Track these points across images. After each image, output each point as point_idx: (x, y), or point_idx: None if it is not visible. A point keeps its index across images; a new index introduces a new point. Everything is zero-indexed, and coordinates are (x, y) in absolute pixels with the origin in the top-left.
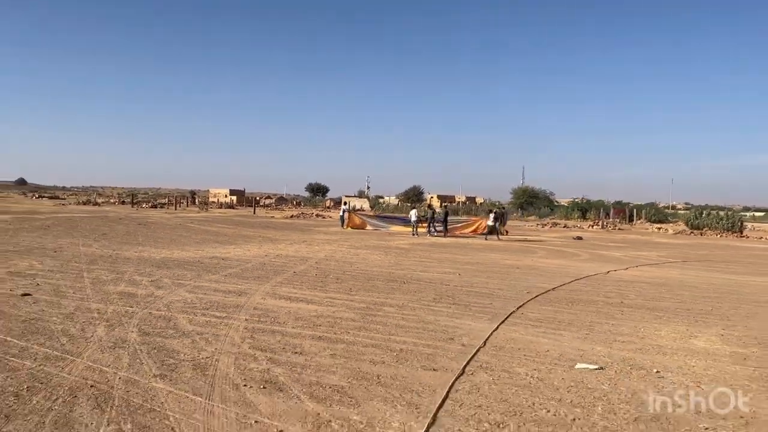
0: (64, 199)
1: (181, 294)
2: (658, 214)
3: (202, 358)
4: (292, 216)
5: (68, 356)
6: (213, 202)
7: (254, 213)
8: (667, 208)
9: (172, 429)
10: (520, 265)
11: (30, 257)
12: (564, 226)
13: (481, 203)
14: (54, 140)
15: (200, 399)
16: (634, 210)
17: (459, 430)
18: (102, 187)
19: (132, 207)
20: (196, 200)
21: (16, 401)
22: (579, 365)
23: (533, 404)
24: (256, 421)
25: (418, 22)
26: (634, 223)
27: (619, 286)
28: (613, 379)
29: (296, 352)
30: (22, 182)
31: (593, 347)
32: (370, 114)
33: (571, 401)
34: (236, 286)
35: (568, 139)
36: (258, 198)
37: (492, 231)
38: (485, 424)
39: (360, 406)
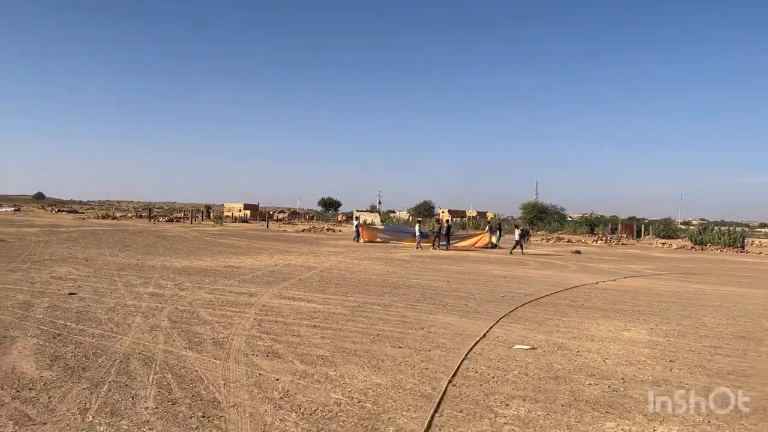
0: (83, 213)
1: (201, 294)
2: (667, 230)
3: (220, 338)
4: (303, 230)
5: (117, 335)
6: (227, 216)
7: (267, 227)
8: (684, 223)
9: (200, 378)
10: (507, 275)
11: (66, 265)
12: (568, 241)
13: (491, 218)
14: (70, 155)
15: (219, 361)
16: (642, 226)
17: (405, 380)
18: (118, 202)
19: (149, 221)
20: (211, 214)
21: (87, 361)
22: (517, 346)
23: (468, 368)
24: (260, 374)
25: (426, 41)
26: (641, 238)
27: (589, 293)
28: (539, 355)
29: (294, 335)
30: (40, 196)
31: (536, 335)
32: (383, 129)
33: (497, 367)
34: (248, 289)
35: (586, 154)
36: (271, 212)
37: (517, 245)
38: (425, 378)
39: (337, 367)
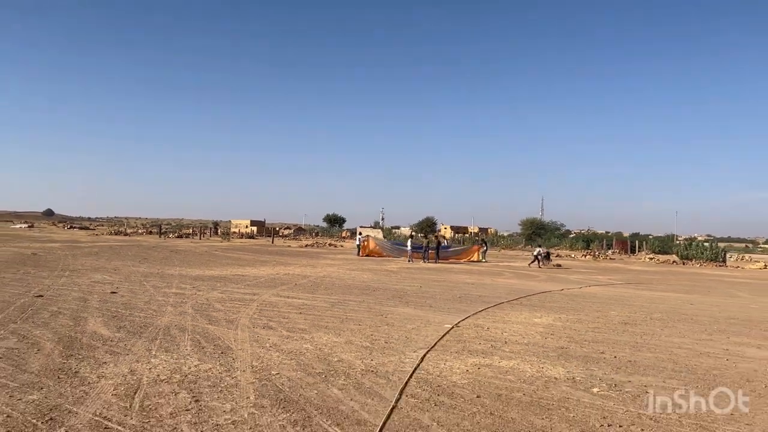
0: (94, 229)
1: (214, 294)
2: (662, 246)
3: (231, 318)
4: (306, 245)
5: (157, 316)
6: (234, 232)
7: (272, 242)
8: (688, 239)
9: (218, 337)
10: (476, 283)
11: (99, 273)
12: (557, 255)
13: (487, 233)
14: (78, 172)
15: (230, 330)
16: (636, 242)
17: (354, 340)
18: (126, 218)
19: (160, 237)
20: (219, 231)
21: (141, 329)
22: (445, 324)
23: (401, 335)
24: (258, 337)
25: (428, 56)
26: (635, 254)
27: (541, 296)
28: (457, 329)
29: (284, 318)
30: (49, 213)
31: (465, 320)
32: (387, 147)
33: (421, 333)
34: (251, 290)
35: (594, 171)
36: (277, 228)
37: (535, 260)
38: (369, 339)
39: (310, 334)
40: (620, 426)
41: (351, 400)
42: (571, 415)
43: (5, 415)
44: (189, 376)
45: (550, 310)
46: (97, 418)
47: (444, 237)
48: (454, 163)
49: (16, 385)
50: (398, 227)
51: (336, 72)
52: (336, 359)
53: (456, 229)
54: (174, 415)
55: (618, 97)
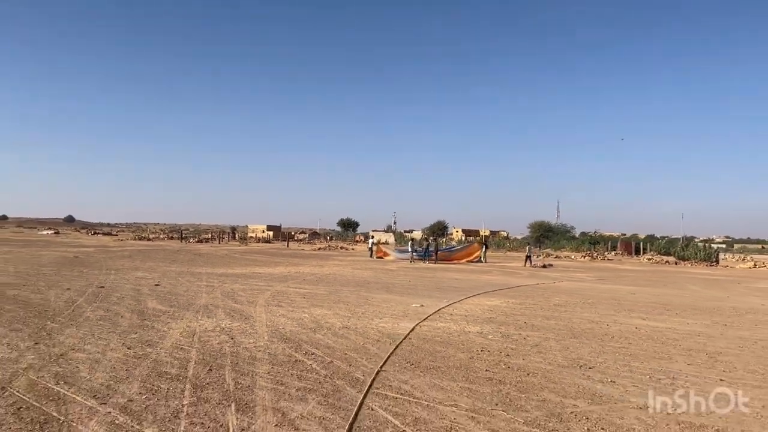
0: (117, 235)
1: (237, 285)
2: (668, 248)
3: (251, 300)
4: (319, 249)
5: (195, 299)
6: (251, 237)
7: (287, 246)
8: (707, 241)
9: (242, 311)
10: (461, 279)
11: (138, 272)
12: (555, 257)
13: (498, 236)
14: (98, 178)
15: (251, 307)
16: (641, 244)
17: (340, 312)
18: (145, 224)
19: (181, 242)
20: (236, 235)
21: (186, 306)
22: (413, 305)
23: (375, 310)
24: (271, 311)
25: (443, 68)
26: (639, 255)
27: (515, 289)
28: (421, 307)
29: (290, 300)
30: (70, 219)
31: (430, 302)
32: (400, 151)
33: (390, 309)
34: (266, 283)
35: (612, 172)
36: (293, 233)
37: (527, 260)
38: (351, 312)
39: (309, 309)
40: (490, 351)
41: (327, 339)
42: (463, 345)
43: (125, 345)
44: (225, 328)
45: (505, 297)
46: (174, 345)
47: (436, 240)
48: (466, 166)
49: (119, 331)
50: (411, 231)
51: (347, 74)
52: (324, 322)
53: (467, 233)
54: (219, 344)
55: (639, 95)
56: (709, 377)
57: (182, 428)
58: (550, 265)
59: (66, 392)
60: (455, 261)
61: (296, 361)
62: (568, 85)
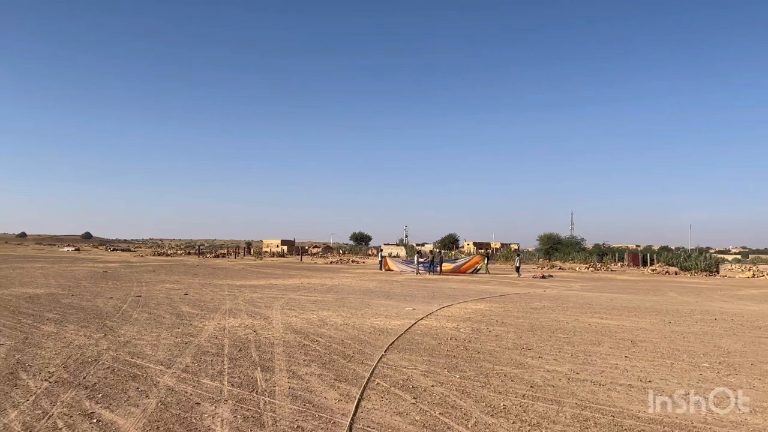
0: (135, 251)
1: (255, 294)
2: (675, 259)
3: (268, 305)
4: (332, 262)
5: (221, 305)
6: (266, 251)
7: (301, 260)
8: (722, 252)
9: (262, 313)
10: (457, 288)
11: (166, 284)
12: (559, 268)
13: (511, 249)
14: (112, 195)
15: (268, 310)
16: (647, 255)
17: (342, 313)
18: (160, 239)
19: (198, 257)
20: (251, 250)
21: (213, 310)
22: (407, 308)
23: (373, 312)
24: (285, 313)
25: (450, 63)
26: (647, 266)
27: (502, 296)
28: (413, 310)
29: (301, 305)
30: (87, 236)
31: (423, 307)
32: (411, 164)
33: (388, 313)
34: (281, 292)
35: (630, 184)
36: (306, 247)
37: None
38: (351, 314)
39: (317, 312)
40: (457, 339)
41: (330, 332)
42: (436, 336)
43: (173, 336)
44: (248, 325)
45: (492, 303)
46: (210, 335)
47: (439, 252)
48: (479, 177)
49: (165, 327)
50: (423, 244)
51: (360, 85)
52: (328, 320)
53: (478, 245)
54: (245, 335)
55: (661, 103)
56: (617, 355)
57: (226, 380)
58: (550, 276)
59: (140, 362)
60: (460, 272)
61: (304, 344)
62: (590, 92)
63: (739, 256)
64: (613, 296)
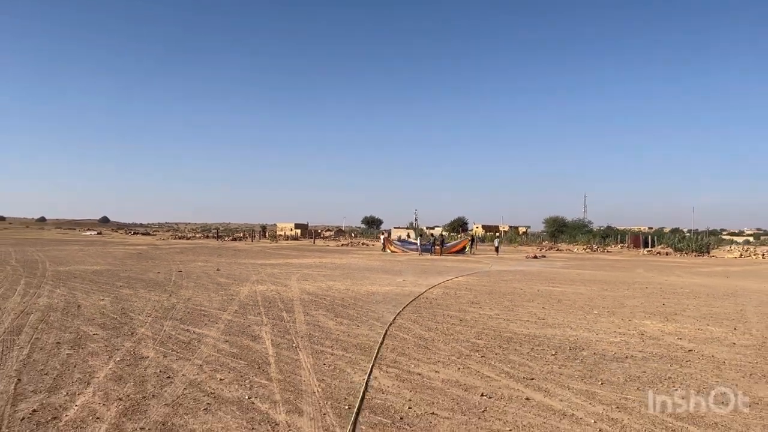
0: (155, 235)
1: (275, 270)
2: (677, 241)
3: (286, 277)
4: (343, 245)
5: (249, 277)
6: (280, 235)
7: (314, 243)
8: (731, 234)
9: (282, 282)
10: (450, 266)
11: (198, 262)
12: (557, 250)
13: (500, 232)
14: (128, 179)
15: (287, 281)
16: (649, 237)
17: (344, 282)
18: (176, 223)
19: (217, 240)
20: (266, 234)
21: (243, 281)
22: (398, 280)
23: (371, 281)
24: (300, 283)
25: (460, 50)
26: (649, 249)
27: (486, 271)
28: (404, 281)
29: (313, 277)
30: (105, 220)
31: (413, 279)
32: (422, 149)
33: (382, 282)
34: (296, 269)
35: (645, 164)
36: (319, 231)
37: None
38: (351, 282)
39: (326, 282)
40: (427, 298)
41: (334, 294)
42: (413, 294)
43: (219, 296)
44: (273, 290)
45: (472, 277)
46: (246, 296)
47: (442, 235)
48: (492, 159)
49: (210, 291)
50: (433, 227)
51: (367, 73)
52: (334, 287)
53: (486, 228)
54: (271, 295)
55: (682, 85)
56: (538, 307)
57: (264, 316)
58: (543, 257)
59: (204, 309)
60: (452, 252)
61: (314, 300)
62: (601, 75)
63: (751, 238)
64: (583, 272)
